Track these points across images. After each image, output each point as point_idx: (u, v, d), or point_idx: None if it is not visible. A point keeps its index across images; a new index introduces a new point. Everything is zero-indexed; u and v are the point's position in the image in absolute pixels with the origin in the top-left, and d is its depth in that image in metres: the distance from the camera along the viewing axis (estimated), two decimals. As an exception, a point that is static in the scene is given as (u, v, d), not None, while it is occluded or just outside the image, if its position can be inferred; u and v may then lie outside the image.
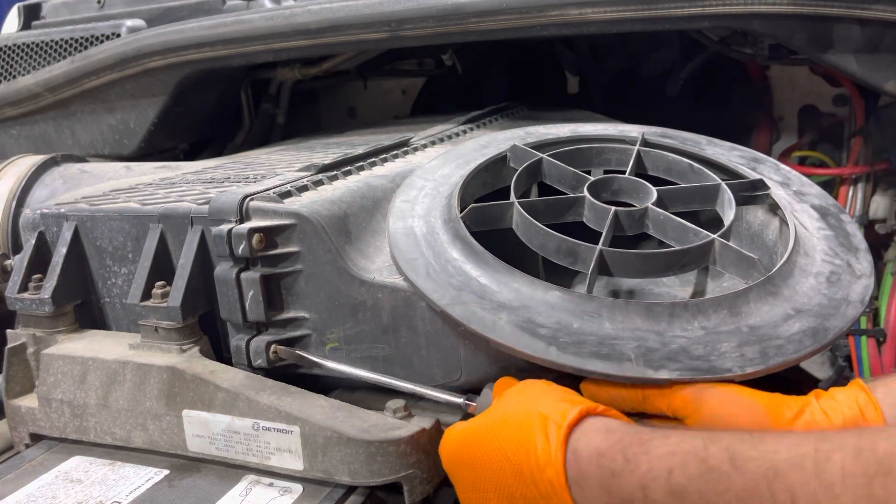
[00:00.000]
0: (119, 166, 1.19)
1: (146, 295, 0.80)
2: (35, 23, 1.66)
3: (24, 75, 1.50)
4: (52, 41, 1.51)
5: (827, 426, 0.57)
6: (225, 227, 0.75)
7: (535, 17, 1.08)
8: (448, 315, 0.68)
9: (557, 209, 0.80)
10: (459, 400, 0.70)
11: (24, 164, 1.13)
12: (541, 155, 0.87)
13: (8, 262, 0.94)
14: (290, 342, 0.77)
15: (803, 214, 0.84)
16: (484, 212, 0.78)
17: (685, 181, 0.87)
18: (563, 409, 0.57)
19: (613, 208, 0.75)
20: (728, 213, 0.78)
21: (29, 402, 0.82)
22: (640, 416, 0.65)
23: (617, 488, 0.52)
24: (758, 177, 0.86)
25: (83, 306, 0.88)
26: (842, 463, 0.45)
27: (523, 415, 0.58)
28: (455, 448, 0.63)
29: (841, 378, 1.27)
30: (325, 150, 1.18)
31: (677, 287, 0.91)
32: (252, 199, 0.77)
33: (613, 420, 0.57)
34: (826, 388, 0.62)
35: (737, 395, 0.60)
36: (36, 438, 0.82)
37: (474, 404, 0.69)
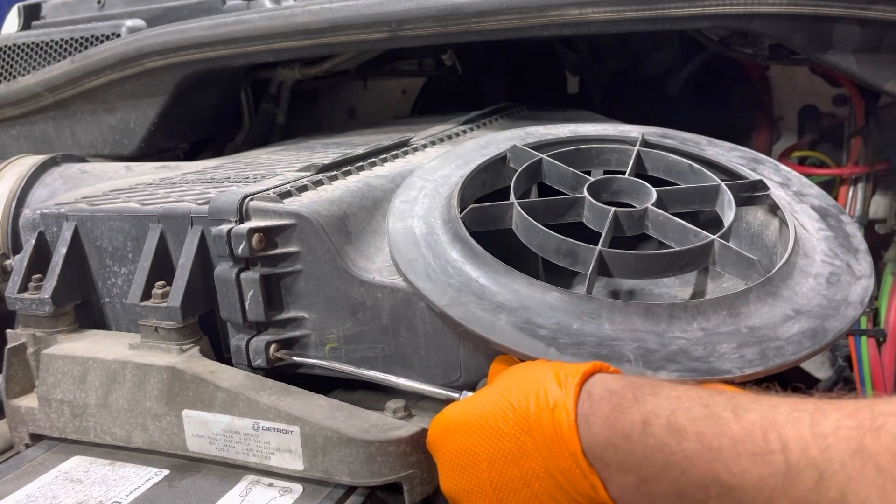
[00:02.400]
0: (119, 166, 1.19)
1: (146, 295, 0.80)
2: (35, 23, 1.66)
3: (24, 75, 1.50)
4: (52, 41, 1.51)
5: None
6: (225, 227, 0.75)
7: (535, 17, 1.08)
8: (447, 316, 0.68)
9: (557, 210, 0.80)
10: (458, 395, 0.70)
11: (24, 164, 1.13)
12: (541, 155, 0.87)
13: (8, 262, 0.94)
14: (289, 342, 0.78)
15: (803, 215, 0.84)
16: (483, 212, 0.78)
17: (685, 182, 0.87)
18: (576, 366, 0.58)
19: (613, 209, 0.75)
20: (728, 214, 0.78)
21: (29, 402, 0.82)
22: None
23: (620, 421, 0.53)
24: (758, 177, 0.86)
25: (83, 306, 0.88)
26: (837, 417, 0.46)
27: (534, 372, 0.59)
28: (451, 417, 0.62)
29: (841, 379, 1.27)
30: (325, 150, 1.18)
31: (677, 288, 0.91)
32: (252, 199, 0.77)
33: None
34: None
35: None
36: (36, 438, 0.82)
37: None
